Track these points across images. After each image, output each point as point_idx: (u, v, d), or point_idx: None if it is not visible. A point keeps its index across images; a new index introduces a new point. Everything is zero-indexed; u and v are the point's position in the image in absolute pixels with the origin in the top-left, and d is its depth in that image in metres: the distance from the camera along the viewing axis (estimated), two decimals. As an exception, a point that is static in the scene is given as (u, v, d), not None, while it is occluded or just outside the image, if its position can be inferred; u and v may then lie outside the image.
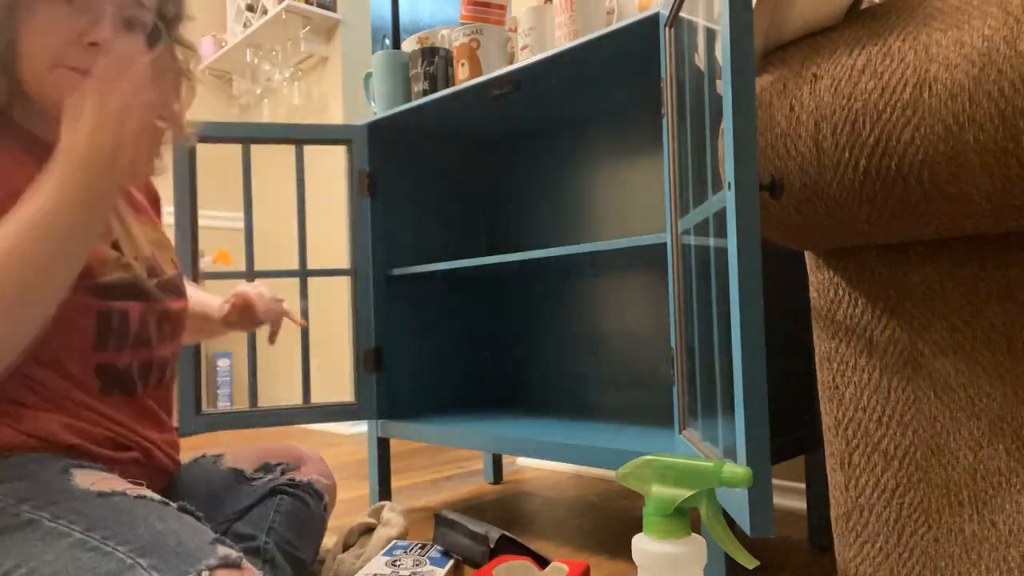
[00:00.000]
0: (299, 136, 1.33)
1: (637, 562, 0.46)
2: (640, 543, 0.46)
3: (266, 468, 0.98)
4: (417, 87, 1.32)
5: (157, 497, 0.67)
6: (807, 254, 0.66)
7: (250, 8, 2.77)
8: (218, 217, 2.94)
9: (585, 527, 1.27)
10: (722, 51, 0.50)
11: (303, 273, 1.36)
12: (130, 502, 0.64)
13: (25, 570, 0.57)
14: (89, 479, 0.65)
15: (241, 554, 0.63)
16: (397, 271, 1.39)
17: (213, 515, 0.80)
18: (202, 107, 2.98)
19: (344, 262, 2.54)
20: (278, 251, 2.78)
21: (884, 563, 0.59)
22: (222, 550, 0.61)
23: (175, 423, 0.88)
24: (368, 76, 1.46)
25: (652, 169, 1.29)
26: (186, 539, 0.61)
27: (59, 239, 0.59)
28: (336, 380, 2.57)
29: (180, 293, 0.86)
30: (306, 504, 0.94)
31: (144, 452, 0.78)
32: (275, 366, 2.80)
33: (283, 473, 0.99)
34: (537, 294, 1.53)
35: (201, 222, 3.04)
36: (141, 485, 0.69)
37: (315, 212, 2.67)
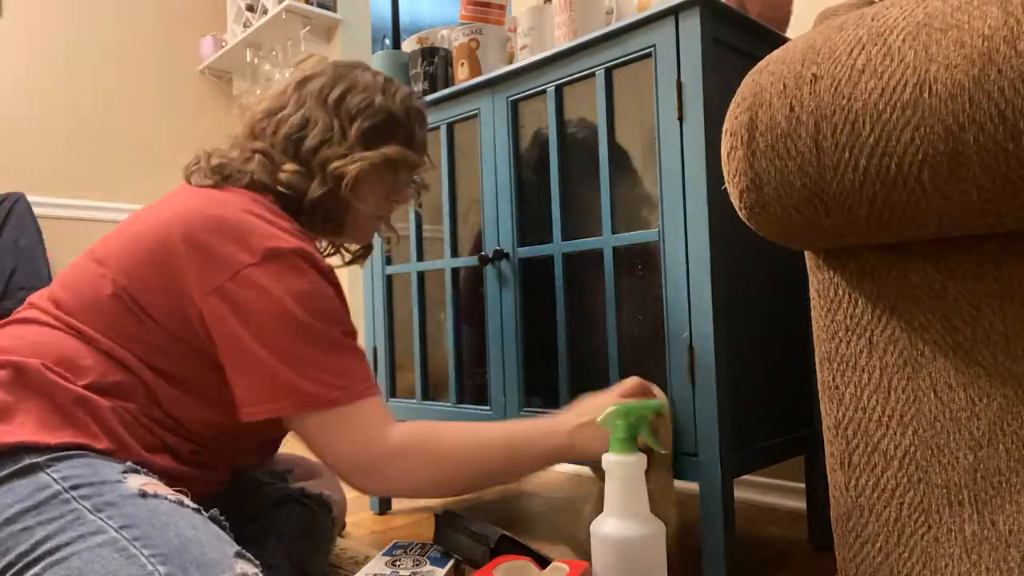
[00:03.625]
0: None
1: (606, 469, 0.72)
2: (609, 457, 0.72)
3: (271, 474, 0.98)
4: (417, 87, 1.32)
5: (193, 504, 0.69)
6: (807, 254, 0.66)
7: (250, 8, 2.77)
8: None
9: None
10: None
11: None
12: (167, 506, 0.66)
13: (56, 557, 0.59)
14: (139, 480, 0.68)
15: (259, 570, 0.64)
16: (395, 270, 1.39)
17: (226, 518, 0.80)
18: (202, 107, 2.99)
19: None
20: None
21: (884, 563, 0.59)
22: (240, 565, 0.62)
23: None
24: (368, 76, 1.46)
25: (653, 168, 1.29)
26: (210, 550, 0.63)
27: (517, 470, 0.87)
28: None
29: None
30: (316, 516, 0.94)
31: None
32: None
33: (285, 478, 0.99)
34: (538, 291, 1.52)
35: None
36: (184, 493, 0.71)
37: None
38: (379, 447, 0.77)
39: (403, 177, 0.97)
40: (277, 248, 0.75)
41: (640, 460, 0.72)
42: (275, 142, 0.88)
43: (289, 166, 0.86)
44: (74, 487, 0.65)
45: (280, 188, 0.85)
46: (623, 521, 0.71)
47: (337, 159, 0.87)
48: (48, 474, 0.65)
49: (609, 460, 0.73)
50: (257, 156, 0.86)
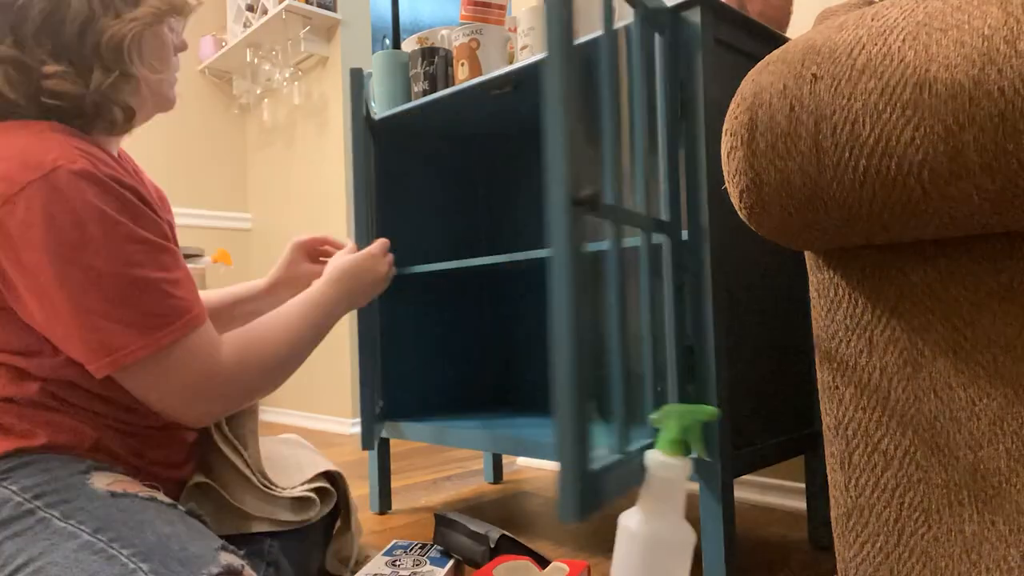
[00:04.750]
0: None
1: (649, 466, 0.66)
2: (655, 455, 0.66)
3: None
4: (417, 87, 1.32)
5: (167, 500, 0.67)
6: (807, 254, 0.66)
7: (250, 8, 2.77)
8: (218, 217, 2.94)
9: (585, 527, 1.27)
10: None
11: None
12: (140, 504, 0.64)
13: (32, 569, 0.57)
14: (105, 480, 0.66)
15: (244, 562, 0.63)
16: (397, 271, 1.39)
17: None
18: (202, 107, 2.99)
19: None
20: (279, 251, 2.78)
21: (884, 563, 0.59)
22: (225, 557, 0.61)
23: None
24: (368, 76, 1.46)
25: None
26: (190, 544, 0.62)
27: (320, 331, 0.86)
28: (335, 380, 2.57)
29: None
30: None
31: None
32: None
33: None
34: (538, 293, 1.53)
35: (201, 222, 3.03)
36: (156, 489, 0.69)
37: (313, 211, 2.67)
38: (220, 373, 0.71)
39: (176, 24, 0.84)
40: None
41: (685, 465, 0.68)
42: (22, 37, 0.68)
43: (52, 67, 0.69)
44: (37, 496, 0.62)
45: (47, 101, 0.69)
46: (657, 521, 0.67)
47: (111, 28, 0.71)
48: (5, 487, 0.62)
49: (655, 458, 0.68)
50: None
